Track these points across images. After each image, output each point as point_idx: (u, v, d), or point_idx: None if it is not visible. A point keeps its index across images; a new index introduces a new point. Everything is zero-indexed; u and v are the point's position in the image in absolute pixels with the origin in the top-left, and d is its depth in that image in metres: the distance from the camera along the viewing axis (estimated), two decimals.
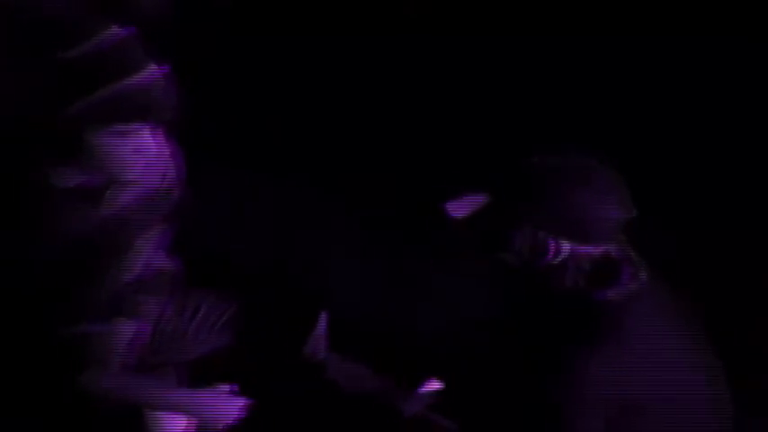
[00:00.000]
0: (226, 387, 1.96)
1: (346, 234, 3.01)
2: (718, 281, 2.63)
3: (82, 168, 1.71)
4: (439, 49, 3.60)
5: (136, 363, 1.84)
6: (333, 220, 3.06)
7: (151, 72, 1.68)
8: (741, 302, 2.67)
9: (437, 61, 3.59)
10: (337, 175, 3.21)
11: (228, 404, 1.94)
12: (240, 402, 1.94)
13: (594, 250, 1.65)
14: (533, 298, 1.74)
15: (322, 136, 3.37)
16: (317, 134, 3.37)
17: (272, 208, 3.11)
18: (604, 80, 3.46)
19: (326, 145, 3.33)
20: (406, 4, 3.84)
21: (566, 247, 1.64)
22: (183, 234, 1.90)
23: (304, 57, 3.60)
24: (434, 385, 2.26)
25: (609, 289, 1.64)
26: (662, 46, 3.51)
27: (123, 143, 1.69)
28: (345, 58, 3.59)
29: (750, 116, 3.34)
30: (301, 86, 3.50)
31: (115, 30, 1.67)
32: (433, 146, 3.30)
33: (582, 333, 1.63)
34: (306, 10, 3.75)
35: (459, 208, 1.70)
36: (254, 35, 3.62)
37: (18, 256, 1.73)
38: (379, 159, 3.26)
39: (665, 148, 3.21)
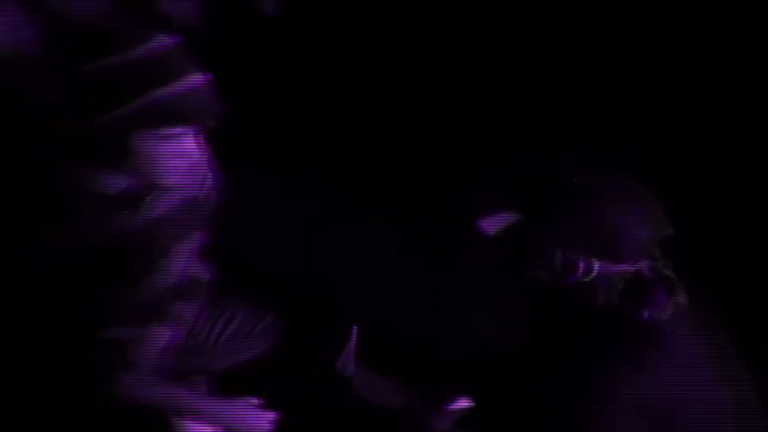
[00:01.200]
0: (255, 400, 1.96)
1: (380, 247, 3.02)
2: (717, 281, 2.63)
3: (123, 172, 1.71)
4: (440, 50, 3.61)
5: (168, 369, 1.84)
6: (368, 234, 3.07)
7: (195, 79, 1.69)
8: (741, 302, 2.67)
9: (445, 61, 3.59)
10: (376, 188, 3.22)
11: (257, 417, 1.95)
12: (269, 416, 1.94)
13: (626, 268, 1.63)
14: (564, 314, 1.72)
15: (353, 142, 3.38)
16: (347, 140, 3.39)
17: (307, 220, 3.12)
18: (603, 80, 3.46)
19: (362, 153, 3.34)
20: (406, 4, 3.84)
21: (596, 265, 1.62)
22: (218, 241, 1.91)
23: (317, 60, 3.60)
24: (463, 402, 2.25)
25: (644, 308, 1.63)
26: (667, 46, 3.51)
27: (166, 148, 1.70)
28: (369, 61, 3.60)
29: (752, 116, 3.34)
30: (314, 89, 3.51)
31: (162, 37, 1.68)
32: (451, 152, 3.31)
33: (614, 349, 1.62)
34: (310, 11, 3.76)
35: (491, 224, 1.69)
36: (257, 36, 3.63)
37: (57, 259, 1.74)
38: (411, 169, 3.28)
39: (664, 149, 3.21)
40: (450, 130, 3.40)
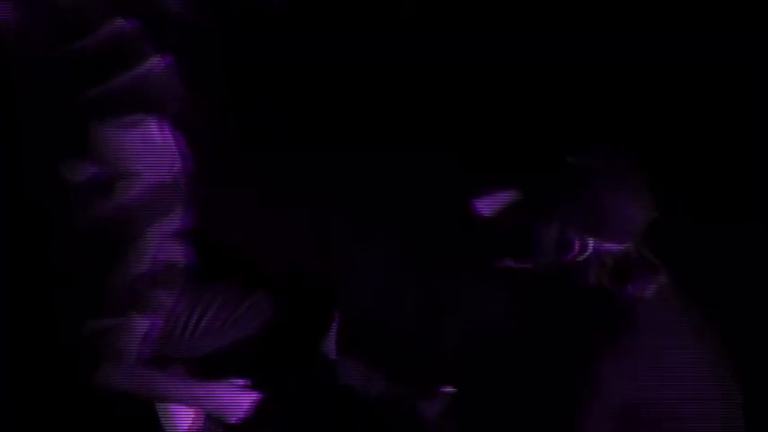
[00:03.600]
0: (238, 380, 1.97)
1: (366, 235, 3.02)
2: (717, 280, 2.63)
3: (89, 161, 1.70)
4: (438, 48, 3.61)
5: (149, 357, 1.83)
6: (353, 221, 3.07)
7: (155, 64, 1.68)
8: (741, 302, 2.66)
9: (440, 60, 3.60)
10: (360, 174, 3.22)
11: (240, 397, 1.94)
12: (251, 396, 1.94)
13: (617, 248, 1.68)
14: (551, 301, 1.76)
15: (337, 134, 3.39)
16: (331, 132, 3.40)
17: (292, 207, 3.11)
18: (605, 78, 3.46)
19: (345, 145, 3.34)
20: (406, 3, 3.83)
21: (590, 243, 1.66)
22: (201, 227, 1.90)
23: (315, 55, 3.61)
24: (449, 391, 2.25)
25: (630, 286, 1.65)
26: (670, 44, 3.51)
27: (129, 135, 1.69)
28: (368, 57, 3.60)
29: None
30: (313, 84, 3.52)
31: (119, 22, 1.67)
32: (451, 147, 3.31)
33: (598, 336, 1.65)
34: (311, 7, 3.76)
35: (487, 204, 1.73)
36: (259, 33, 3.63)
37: (30, 251, 1.73)
38: (402, 157, 3.27)
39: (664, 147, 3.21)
40: (444, 130, 3.41)
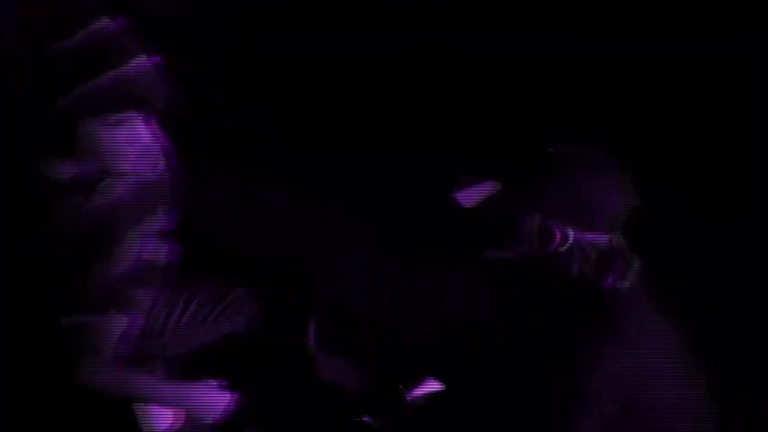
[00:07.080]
0: (214, 381, 1.96)
1: (345, 228, 3.02)
2: (716, 280, 2.63)
3: (76, 159, 1.71)
4: (448, 41, 3.61)
5: (127, 355, 1.83)
6: (332, 215, 3.07)
7: (141, 62, 1.69)
8: (741, 302, 2.66)
9: (447, 53, 3.60)
10: (338, 168, 3.22)
11: (217, 398, 1.94)
12: (228, 396, 1.94)
13: (599, 238, 1.68)
14: (534, 291, 1.76)
15: (322, 128, 3.40)
16: (317, 127, 3.40)
17: (271, 202, 3.11)
18: (605, 78, 3.46)
19: (326, 137, 3.36)
20: (405, 2, 3.83)
21: (570, 234, 1.66)
22: (181, 224, 1.90)
23: (304, 53, 3.61)
24: (430, 385, 2.26)
25: (611, 277, 1.66)
26: (665, 43, 3.51)
27: (116, 133, 1.70)
28: (344, 55, 3.60)
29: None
30: (305, 83, 3.52)
31: (105, 21, 1.68)
32: (437, 139, 3.31)
33: (581, 331, 1.65)
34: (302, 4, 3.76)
35: (469, 196, 1.73)
36: (255, 30, 3.63)
37: (13, 249, 1.73)
38: (381, 150, 3.28)
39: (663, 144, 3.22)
40: (438, 126, 3.42)
